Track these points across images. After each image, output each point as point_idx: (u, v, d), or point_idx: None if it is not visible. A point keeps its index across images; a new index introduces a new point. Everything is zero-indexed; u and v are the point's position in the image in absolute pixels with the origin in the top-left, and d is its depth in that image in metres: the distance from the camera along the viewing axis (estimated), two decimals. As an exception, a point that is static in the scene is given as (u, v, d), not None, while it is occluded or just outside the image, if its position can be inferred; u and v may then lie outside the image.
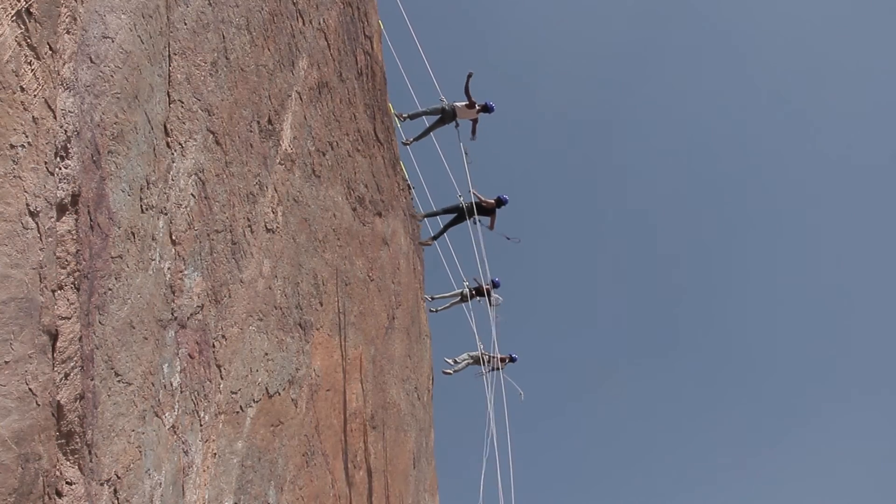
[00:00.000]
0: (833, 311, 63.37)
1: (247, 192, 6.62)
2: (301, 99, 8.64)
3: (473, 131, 11.68)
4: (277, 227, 7.67)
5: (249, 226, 6.71)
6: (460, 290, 15.84)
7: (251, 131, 6.72)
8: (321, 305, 9.58)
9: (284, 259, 7.96)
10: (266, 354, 7.20)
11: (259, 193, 7.00)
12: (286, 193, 8.00)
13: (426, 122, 12.03)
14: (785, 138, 62.35)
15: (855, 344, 63.74)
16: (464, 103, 11.26)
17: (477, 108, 11.28)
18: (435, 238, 14.11)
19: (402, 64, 13.06)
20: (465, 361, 16.47)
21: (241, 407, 6.44)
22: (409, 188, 17.36)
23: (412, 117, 12.72)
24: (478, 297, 15.54)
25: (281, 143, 7.77)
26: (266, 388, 7.16)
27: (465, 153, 12.22)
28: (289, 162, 8.09)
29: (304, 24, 8.69)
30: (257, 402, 6.90)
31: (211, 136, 5.72)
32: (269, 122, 7.30)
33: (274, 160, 7.52)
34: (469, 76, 10.96)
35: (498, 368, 15.93)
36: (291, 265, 8.24)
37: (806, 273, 63.60)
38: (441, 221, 13.27)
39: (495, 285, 15.20)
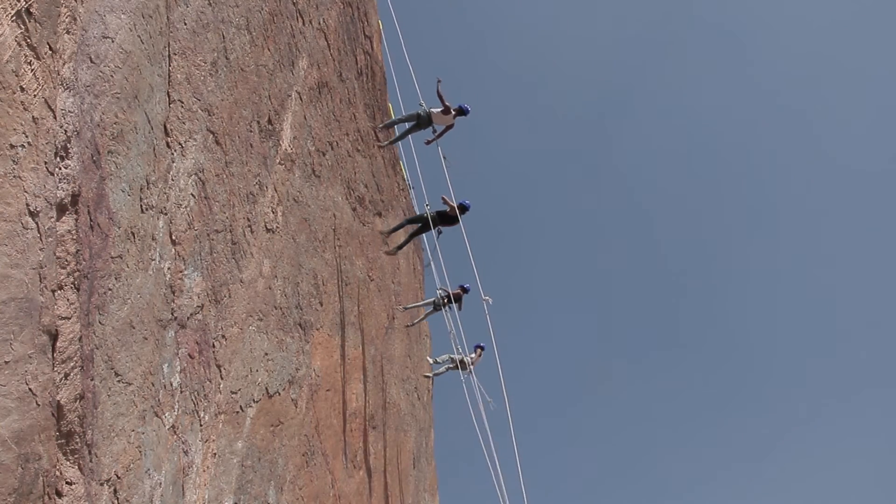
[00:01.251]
0: (835, 308, 63.44)
1: (247, 192, 6.62)
2: (301, 99, 8.64)
3: (440, 135, 11.68)
4: (277, 227, 7.67)
5: (249, 226, 6.71)
6: (432, 300, 15.91)
7: (251, 131, 6.73)
8: (321, 305, 9.58)
9: (284, 259, 7.96)
10: (266, 354, 7.20)
11: (259, 193, 7.00)
12: (286, 193, 8.01)
13: (406, 126, 12.05)
14: (787, 139, 62.42)
15: (859, 341, 63.78)
16: (439, 109, 11.25)
17: (453, 112, 11.28)
18: (400, 248, 14.12)
19: (403, 64, 13.05)
20: (446, 365, 16.58)
21: (241, 407, 6.45)
22: (409, 188, 17.37)
23: (387, 126, 12.75)
24: (448, 305, 15.60)
25: (281, 143, 7.78)
26: (266, 388, 7.16)
27: (444, 157, 12.19)
28: (289, 162, 8.09)
29: (304, 24, 8.69)
30: (257, 402, 6.90)
31: (211, 136, 5.72)
32: (269, 122, 7.31)
33: (274, 160, 7.52)
34: (438, 82, 11.00)
35: (473, 365, 16.04)
36: (291, 265, 8.24)
37: (808, 270, 63.66)
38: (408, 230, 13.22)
39: (465, 290, 15.20)
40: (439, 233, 12.55)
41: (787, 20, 58.77)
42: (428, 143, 11.85)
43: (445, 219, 12.17)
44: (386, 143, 13.37)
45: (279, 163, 7.71)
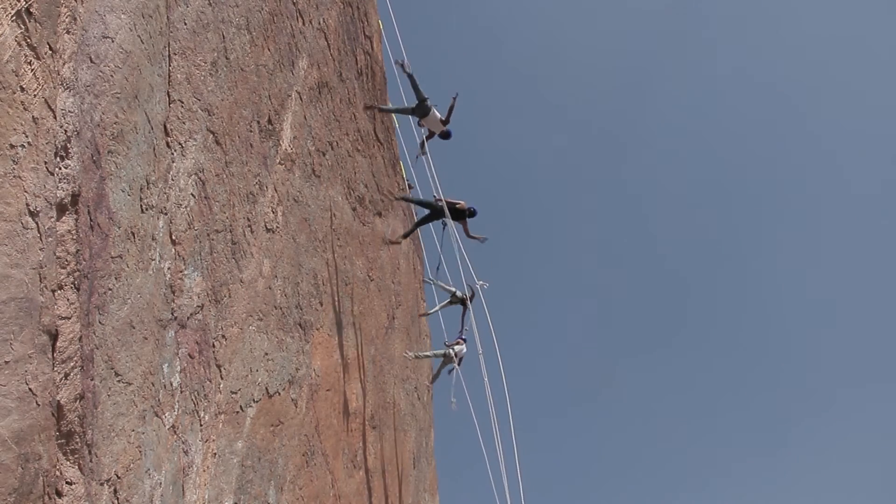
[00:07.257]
0: (838, 306, 63.34)
1: (247, 192, 6.62)
2: (301, 99, 8.64)
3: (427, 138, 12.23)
4: (277, 227, 7.67)
5: (249, 226, 6.71)
6: (448, 295, 15.88)
7: (251, 131, 6.72)
8: (321, 305, 9.57)
9: (284, 259, 7.96)
10: (266, 354, 7.20)
11: (259, 193, 7.00)
12: (286, 193, 8.00)
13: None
14: (788, 136, 62.41)
15: (862, 339, 63.68)
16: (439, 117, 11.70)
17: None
18: (405, 236, 14.26)
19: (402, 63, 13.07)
20: (434, 351, 16.31)
21: (241, 407, 6.45)
22: (409, 188, 17.37)
23: (384, 111, 13.00)
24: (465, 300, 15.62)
25: (281, 143, 7.77)
26: (266, 388, 7.16)
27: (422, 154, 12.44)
28: (289, 162, 8.09)
29: (304, 24, 8.69)
30: (257, 401, 6.90)
31: (211, 135, 5.72)
32: (269, 122, 7.30)
33: (274, 160, 7.52)
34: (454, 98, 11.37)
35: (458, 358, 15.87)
36: (291, 265, 8.23)
37: (809, 267, 63.57)
38: (415, 215, 13.39)
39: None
40: (444, 225, 12.76)
41: (790, 21, 58.77)
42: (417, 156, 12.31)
43: (454, 213, 12.42)
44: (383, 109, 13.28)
45: (279, 163, 7.71)
